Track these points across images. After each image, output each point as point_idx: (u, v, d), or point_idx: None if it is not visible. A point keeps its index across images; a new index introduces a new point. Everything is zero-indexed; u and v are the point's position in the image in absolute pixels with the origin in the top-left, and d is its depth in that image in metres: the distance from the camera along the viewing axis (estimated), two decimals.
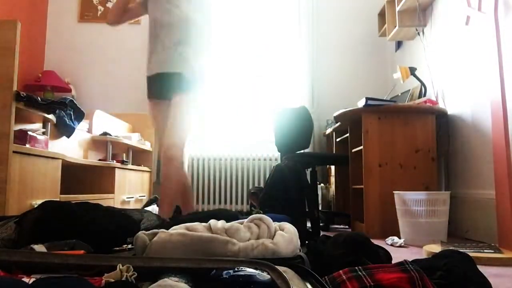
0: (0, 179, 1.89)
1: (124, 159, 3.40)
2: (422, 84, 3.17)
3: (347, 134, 3.30)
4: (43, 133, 2.36)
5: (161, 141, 2.28)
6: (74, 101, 2.60)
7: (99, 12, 4.46)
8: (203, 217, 1.31)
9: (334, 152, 3.83)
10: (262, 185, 4.21)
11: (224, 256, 0.96)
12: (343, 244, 1.18)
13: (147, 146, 3.91)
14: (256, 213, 1.22)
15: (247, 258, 0.92)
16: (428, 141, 2.78)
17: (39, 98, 2.20)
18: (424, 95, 3.13)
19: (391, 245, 2.30)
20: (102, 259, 0.86)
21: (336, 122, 3.55)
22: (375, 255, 1.21)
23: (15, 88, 1.99)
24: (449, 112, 2.90)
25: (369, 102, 2.80)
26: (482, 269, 1.14)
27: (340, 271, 1.01)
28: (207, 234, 1.03)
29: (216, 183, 4.19)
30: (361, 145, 2.84)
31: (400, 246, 2.27)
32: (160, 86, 2.30)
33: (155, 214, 1.75)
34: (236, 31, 4.51)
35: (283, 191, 2.24)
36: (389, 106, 2.85)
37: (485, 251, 1.86)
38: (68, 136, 2.61)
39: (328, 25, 4.47)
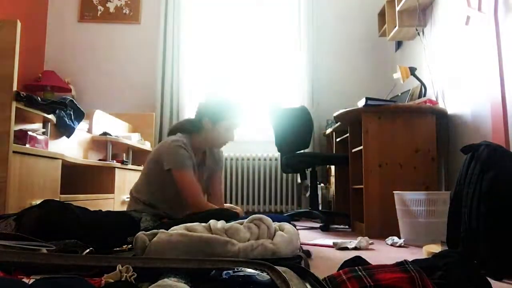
0: (0, 179, 1.89)
1: (124, 159, 3.40)
2: (422, 84, 3.17)
3: (347, 134, 3.30)
4: (43, 133, 2.36)
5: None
6: (74, 101, 2.61)
7: (99, 12, 4.46)
8: (203, 217, 1.31)
9: (334, 152, 3.83)
10: (262, 184, 4.21)
11: (224, 257, 0.96)
12: None
13: (147, 146, 3.91)
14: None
15: (247, 259, 0.92)
16: (428, 141, 2.78)
17: (39, 98, 2.20)
18: (424, 95, 3.13)
19: (391, 245, 2.30)
20: (102, 260, 0.86)
21: (336, 122, 3.55)
22: None
23: (15, 88, 1.99)
24: (449, 112, 2.90)
25: (369, 102, 2.80)
26: None
27: (340, 271, 1.01)
28: (207, 234, 1.03)
29: None
30: (361, 145, 2.84)
31: (400, 246, 2.26)
32: None
33: (151, 216, 1.75)
34: (236, 31, 4.51)
35: None
36: (389, 106, 2.85)
37: None
38: (68, 136, 2.61)
39: (328, 25, 4.47)
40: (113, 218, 1.53)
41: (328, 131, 4.00)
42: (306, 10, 4.35)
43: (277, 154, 4.12)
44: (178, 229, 1.07)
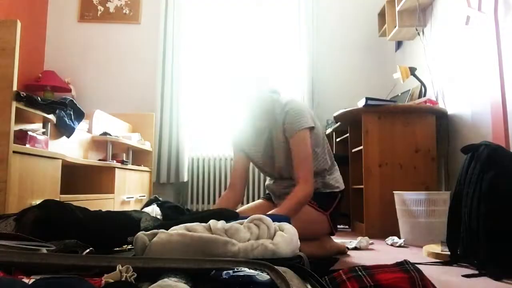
0: (0, 179, 1.89)
1: (124, 159, 3.40)
2: (422, 84, 3.17)
3: (347, 134, 3.30)
4: (43, 133, 2.36)
5: None
6: (74, 101, 2.60)
7: (99, 12, 4.46)
8: (203, 217, 1.31)
9: (334, 152, 3.83)
10: (262, 184, 4.20)
11: (224, 257, 0.96)
12: None
13: (147, 146, 3.91)
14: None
15: (247, 259, 0.92)
16: (428, 141, 2.78)
17: (39, 98, 2.20)
18: (424, 95, 3.13)
19: (391, 245, 2.30)
20: (102, 260, 0.86)
21: (336, 122, 3.55)
22: None
23: (15, 88, 1.99)
24: (449, 112, 2.90)
25: (369, 102, 2.80)
26: None
27: (340, 271, 1.01)
28: (207, 234, 1.03)
29: (216, 183, 4.19)
30: (361, 145, 2.84)
31: (400, 246, 2.27)
32: None
33: (152, 215, 1.75)
34: (236, 31, 4.51)
35: None
36: (389, 106, 2.85)
37: None
38: (68, 136, 2.61)
39: (328, 25, 4.47)
40: (113, 218, 1.53)
41: (328, 131, 4.00)
42: (306, 10, 4.35)
43: None
44: (178, 229, 1.07)
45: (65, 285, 0.69)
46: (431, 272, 1.52)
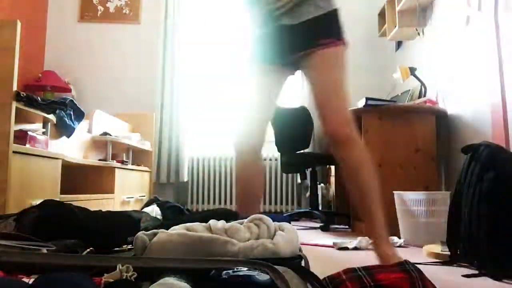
0: (0, 179, 1.89)
1: (124, 159, 3.40)
2: (422, 84, 3.17)
3: None
4: (43, 133, 2.36)
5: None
6: (74, 101, 2.61)
7: (99, 12, 4.46)
8: (203, 217, 1.31)
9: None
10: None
11: (224, 256, 0.96)
12: None
13: (147, 146, 3.91)
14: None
15: (247, 258, 0.92)
16: (428, 141, 2.78)
17: (39, 98, 2.20)
18: (424, 95, 3.13)
19: None
20: (103, 259, 0.86)
21: None
22: None
23: (15, 88, 1.99)
24: (449, 112, 2.90)
25: (369, 102, 2.80)
26: None
27: (340, 270, 1.01)
28: (207, 234, 1.03)
29: (216, 183, 4.19)
30: None
31: (400, 246, 2.27)
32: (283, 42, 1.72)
33: (152, 215, 1.76)
34: (236, 31, 4.51)
35: None
36: (389, 106, 2.85)
37: None
38: (68, 136, 2.61)
39: None
40: (113, 218, 1.53)
41: None
42: None
43: (277, 154, 4.12)
44: (178, 229, 1.07)
45: (67, 283, 0.69)
46: (431, 272, 1.52)
